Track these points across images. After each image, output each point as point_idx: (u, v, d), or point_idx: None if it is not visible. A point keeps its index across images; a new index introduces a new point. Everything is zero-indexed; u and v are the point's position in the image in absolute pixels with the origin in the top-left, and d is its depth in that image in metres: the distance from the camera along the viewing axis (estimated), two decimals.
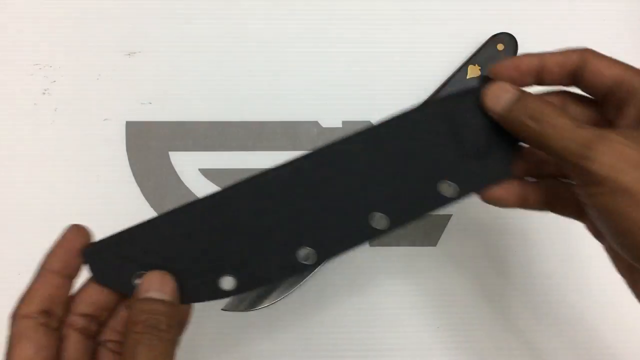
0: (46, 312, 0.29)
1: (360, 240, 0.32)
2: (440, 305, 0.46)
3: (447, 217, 0.48)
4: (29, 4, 0.54)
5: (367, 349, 0.45)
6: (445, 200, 0.32)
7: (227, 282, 0.31)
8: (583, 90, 0.32)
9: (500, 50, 0.50)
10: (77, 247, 0.30)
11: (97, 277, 0.30)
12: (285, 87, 0.52)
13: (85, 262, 0.30)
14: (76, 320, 0.30)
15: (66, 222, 0.50)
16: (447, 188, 0.32)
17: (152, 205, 0.48)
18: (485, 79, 0.32)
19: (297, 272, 0.31)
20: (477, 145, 0.32)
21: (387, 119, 0.33)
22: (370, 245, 0.47)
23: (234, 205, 0.31)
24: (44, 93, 0.51)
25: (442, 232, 0.48)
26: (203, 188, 0.49)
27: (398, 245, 0.47)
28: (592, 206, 0.28)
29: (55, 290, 0.29)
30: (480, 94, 0.32)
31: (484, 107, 0.31)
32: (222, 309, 0.45)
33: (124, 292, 0.30)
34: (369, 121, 0.50)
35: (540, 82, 0.32)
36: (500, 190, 0.33)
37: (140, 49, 0.53)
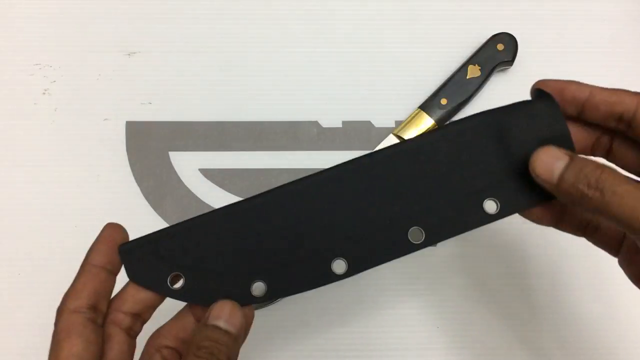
0: (93, 307, 0.28)
1: (398, 254, 0.31)
2: (440, 305, 0.46)
3: None
4: (29, 4, 0.54)
5: (367, 348, 0.45)
6: (489, 219, 0.31)
7: (258, 289, 0.31)
8: (632, 136, 0.30)
9: (500, 50, 0.50)
10: (118, 241, 0.30)
11: (132, 275, 0.30)
12: (285, 87, 0.52)
13: (121, 260, 0.30)
14: (122, 318, 0.30)
15: (66, 222, 0.50)
16: (490, 205, 0.31)
17: (152, 205, 0.48)
18: (539, 93, 0.31)
19: (329, 282, 0.31)
20: (525, 161, 0.30)
21: (431, 130, 0.32)
22: None
23: (271, 211, 0.31)
24: (44, 93, 0.51)
25: None
26: (203, 188, 0.49)
27: None
28: None
29: (101, 285, 0.29)
30: (530, 160, 0.30)
31: (535, 176, 0.29)
32: None
33: (158, 292, 0.30)
34: (369, 121, 0.50)
35: (580, 116, 0.31)
36: (540, 209, 0.31)
37: (140, 49, 0.53)
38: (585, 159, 0.28)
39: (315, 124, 0.50)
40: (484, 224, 0.31)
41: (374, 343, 0.45)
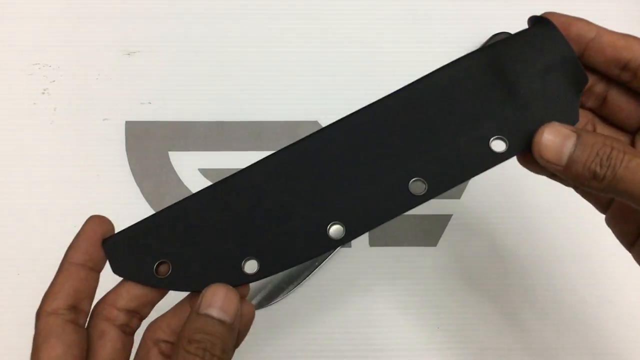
0: (73, 308, 0.27)
1: (399, 211, 0.28)
2: (440, 305, 0.46)
3: (448, 217, 0.48)
4: (28, 3, 0.54)
5: (367, 349, 0.45)
6: (498, 158, 0.28)
7: (251, 266, 0.29)
8: (635, 88, 0.28)
9: None
10: (99, 237, 0.29)
11: (116, 269, 0.29)
12: (285, 87, 0.52)
13: (105, 254, 0.29)
14: (116, 315, 0.28)
15: (65, 222, 0.50)
16: (498, 144, 0.28)
17: (151, 205, 0.48)
18: (536, 20, 0.29)
19: (327, 250, 0.29)
20: (533, 92, 0.28)
21: (426, 75, 0.29)
22: (370, 245, 0.47)
23: (255, 184, 0.29)
24: (43, 93, 0.51)
25: (442, 232, 0.48)
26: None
27: (398, 245, 0.47)
28: None
29: (81, 283, 0.27)
30: (534, 141, 0.27)
31: (539, 159, 0.27)
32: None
33: (145, 283, 0.29)
34: None
35: (583, 58, 0.28)
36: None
37: (139, 48, 0.53)
38: (593, 133, 0.26)
39: (315, 124, 0.50)
40: (494, 165, 0.28)
41: (374, 343, 0.45)
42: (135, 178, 0.49)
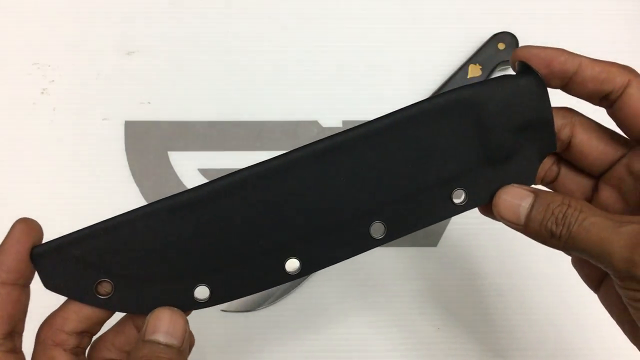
0: (10, 335, 0.25)
1: (357, 251, 0.28)
2: (440, 306, 0.46)
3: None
4: (27, 3, 0.54)
5: (367, 349, 0.45)
6: (455, 210, 0.28)
7: (202, 292, 0.27)
8: (615, 120, 0.28)
9: (501, 50, 0.50)
10: (28, 247, 0.26)
11: (48, 284, 0.26)
12: (285, 87, 0.52)
13: (34, 265, 0.26)
14: (66, 339, 0.26)
15: (65, 222, 0.49)
16: (459, 194, 0.28)
17: None
18: (523, 67, 0.28)
19: (281, 283, 0.28)
20: (500, 147, 0.28)
21: (400, 108, 0.28)
22: None
23: (215, 204, 0.27)
24: (42, 93, 0.51)
25: (442, 232, 0.47)
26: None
27: (398, 245, 0.47)
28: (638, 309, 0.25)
29: (14, 307, 0.25)
30: (493, 202, 0.28)
31: (500, 219, 0.28)
32: (221, 310, 0.45)
33: (84, 301, 0.27)
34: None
35: (565, 89, 0.29)
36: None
37: (139, 48, 0.53)
38: (551, 193, 0.27)
39: (315, 123, 0.50)
40: (452, 216, 0.29)
41: (374, 343, 0.45)
42: (134, 178, 0.49)
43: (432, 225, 0.28)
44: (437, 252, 0.47)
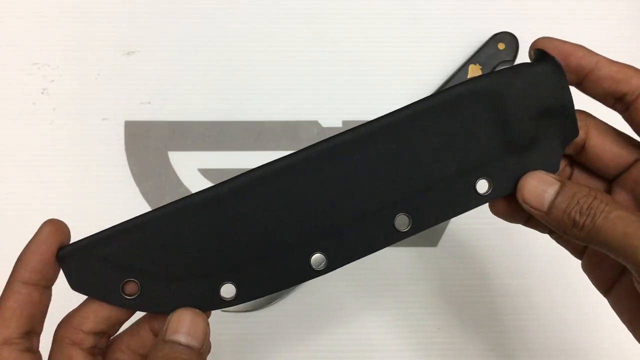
0: (28, 334, 0.25)
1: (383, 245, 0.28)
2: (440, 306, 0.46)
3: None
4: (27, 3, 0.54)
5: (367, 349, 0.45)
6: (480, 200, 0.28)
7: (228, 291, 0.27)
8: (630, 123, 0.28)
9: (501, 50, 0.50)
10: (54, 249, 0.26)
11: (75, 285, 0.26)
12: (285, 87, 0.52)
13: (60, 267, 0.26)
14: (84, 338, 0.26)
15: (65, 222, 0.49)
16: (482, 184, 0.28)
17: (151, 206, 0.48)
18: (541, 54, 0.28)
19: (308, 279, 0.28)
20: (522, 135, 0.28)
21: (419, 100, 0.28)
22: None
23: (239, 201, 0.27)
24: (42, 93, 0.51)
25: (442, 232, 0.47)
26: (202, 188, 0.48)
27: (398, 246, 0.47)
28: None
29: (35, 307, 0.25)
30: (518, 186, 0.28)
31: (523, 203, 0.27)
32: (222, 310, 0.45)
33: (110, 302, 0.27)
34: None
35: (580, 87, 0.28)
36: (504, 204, 0.29)
37: (139, 48, 0.53)
38: (577, 184, 0.27)
39: (315, 123, 0.50)
40: (477, 206, 0.28)
41: (374, 344, 0.45)
42: (134, 178, 0.49)
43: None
44: (437, 252, 0.47)
